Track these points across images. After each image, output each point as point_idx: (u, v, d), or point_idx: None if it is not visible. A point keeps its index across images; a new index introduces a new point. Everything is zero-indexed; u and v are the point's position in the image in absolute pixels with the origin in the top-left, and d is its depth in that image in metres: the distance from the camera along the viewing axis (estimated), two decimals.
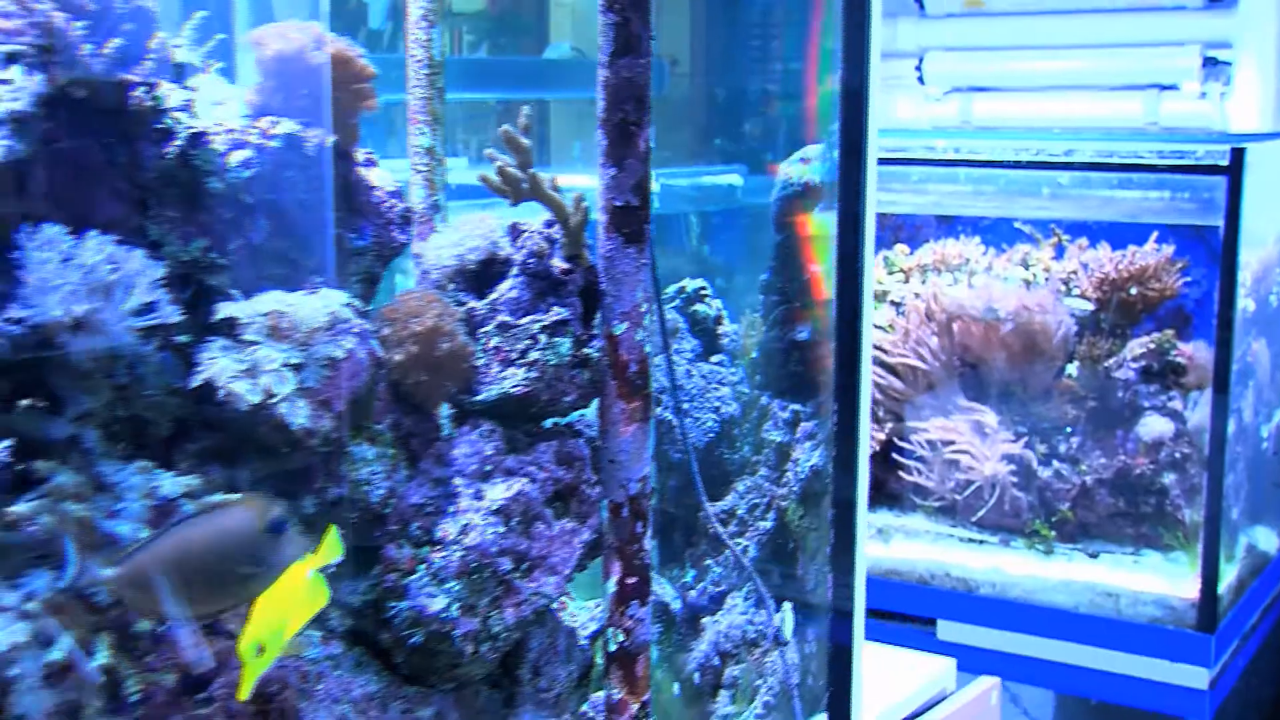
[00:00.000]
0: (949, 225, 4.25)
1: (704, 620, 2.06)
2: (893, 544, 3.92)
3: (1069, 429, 3.88)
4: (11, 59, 1.24)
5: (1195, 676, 3.55)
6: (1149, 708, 3.65)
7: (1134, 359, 3.79)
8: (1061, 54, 4.86)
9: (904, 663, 2.75)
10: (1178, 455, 3.72)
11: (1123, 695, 3.67)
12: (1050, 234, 4.14)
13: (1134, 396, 3.79)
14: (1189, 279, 3.86)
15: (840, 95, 2.08)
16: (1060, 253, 4.10)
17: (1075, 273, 3.99)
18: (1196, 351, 3.73)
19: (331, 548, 1.27)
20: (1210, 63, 4.55)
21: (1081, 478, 3.84)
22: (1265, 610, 4.02)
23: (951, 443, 3.94)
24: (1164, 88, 4.65)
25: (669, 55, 2.86)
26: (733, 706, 2.05)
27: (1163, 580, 3.66)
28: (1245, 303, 3.65)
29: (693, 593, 2.06)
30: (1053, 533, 3.85)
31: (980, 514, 3.90)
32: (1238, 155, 3.48)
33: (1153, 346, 3.77)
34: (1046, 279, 3.98)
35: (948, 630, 3.78)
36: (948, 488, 3.95)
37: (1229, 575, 3.69)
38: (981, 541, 3.92)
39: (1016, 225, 4.18)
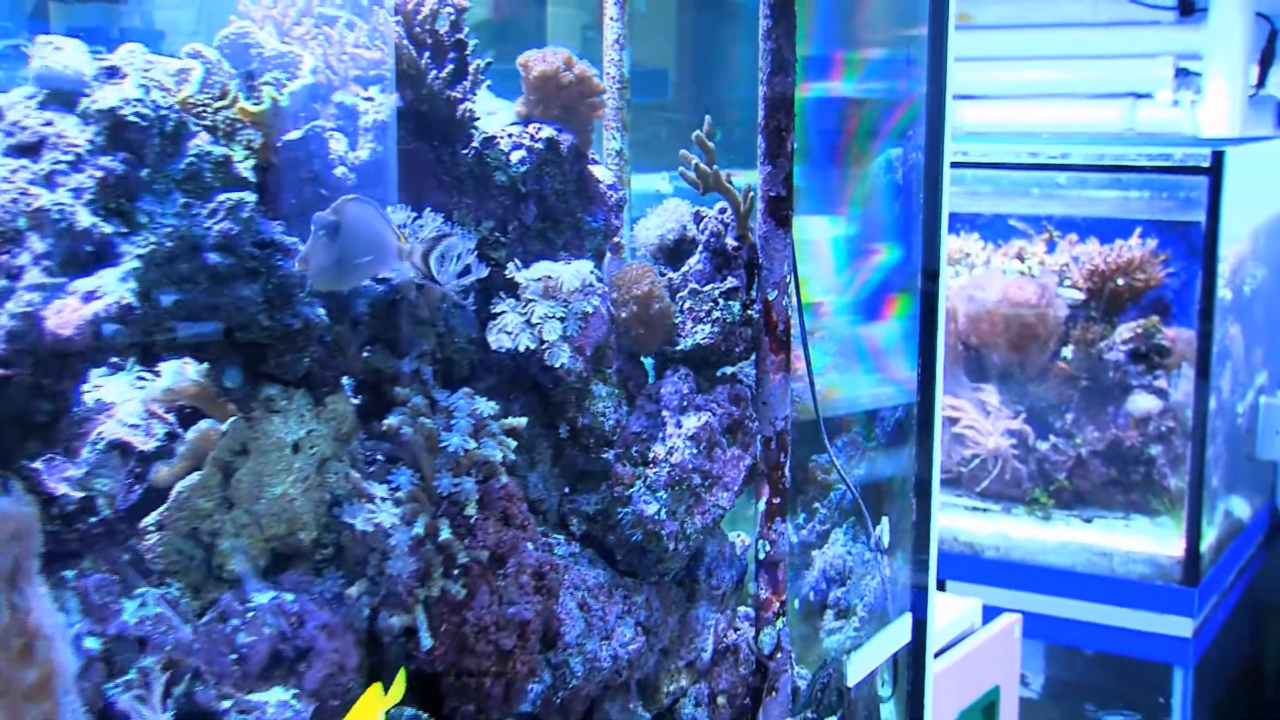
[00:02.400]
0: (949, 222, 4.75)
1: (814, 553, 2.52)
2: None
3: (1064, 406, 4.40)
4: (372, 80, 1.68)
5: (1181, 626, 4.09)
6: (1140, 656, 4.18)
7: (1123, 342, 4.33)
8: (1044, 64, 5.39)
9: (894, 629, 3.21)
10: (1164, 429, 4.26)
11: (1116, 645, 4.19)
12: (1043, 229, 4.67)
13: (1123, 376, 4.32)
14: (1171, 270, 4.40)
15: (926, 103, 2.56)
16: (1052, 247, 4.63)
17: (1067, 265, 4.51)
18: (1179, 335, 4.26)
19: (397, 689, 1.52)
20: (1182, 73, 5.10)
21: (1076, 450, 4.36)
22: (1241, 570, 4.58)
23: (957, 420, 4.45)
24: (1139, 96, 5.20)
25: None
26: (836, 622, 2.51)
27: (1151, 541, 4.19)
28: (1223, 292, 4.19)
29: (804, 531, 2.52)
30: (1051, 500, 4.37)
31: (984, 484, 4.41)
32: (1218, 158, 4.03)
33: (1140, 331, 4.31)
34: (1041, 271, 4.50)
35: (956, 590, 4.27)
36: (954, 461, 4.45)
37: (1209, 536, 4.23)
38: (986, 509, 4.43)
39: (1011, 222, 4.70)
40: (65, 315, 1.32)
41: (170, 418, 1.63)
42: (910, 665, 2.61)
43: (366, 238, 1.51)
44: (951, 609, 3.25)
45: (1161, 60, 5.15)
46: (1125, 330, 4.34)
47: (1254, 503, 4.80)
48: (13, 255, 1.32)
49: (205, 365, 1.55)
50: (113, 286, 1.35)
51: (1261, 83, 5.12)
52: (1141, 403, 4.29)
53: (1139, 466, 4.31)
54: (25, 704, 1.17)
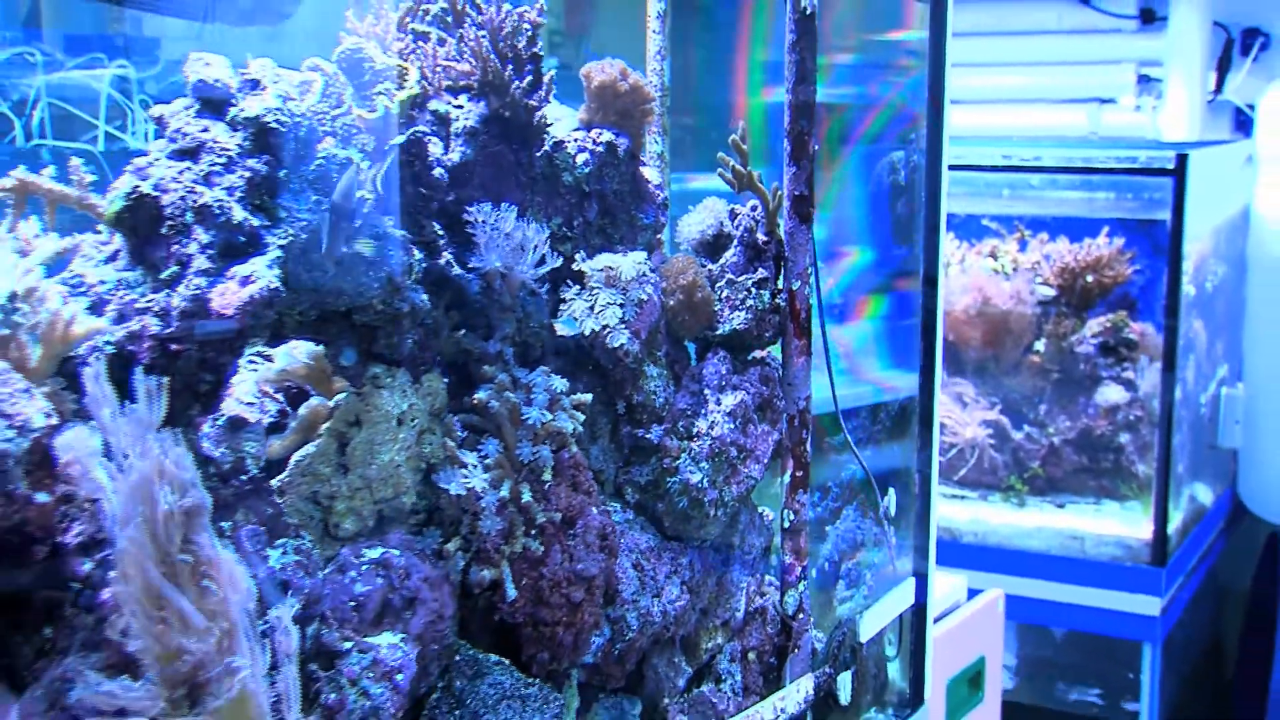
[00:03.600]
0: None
1: (827, 528, 2.76)
2: None
3: (1037, 398, 4.68)
4: (461, 90, 1.91)
5: (1149, 605, 4.37)
6: (1111, 634, 4.46)
7: (1093, 336, 4.61)
8: (1012, 70, 5.68)
9: (900, 591, 3.46)
10: (1132, 418, 4.54)
11: (1089, 624, 4.47)
12: (1014, 229, 4.95)
13: (1093, 368, 4.61)
14: (1137, 267, 4.70)
15: (927, 107, 2.81)
16: (1024, 246, 4.91)
17: (1039, 263, 4.79)
18: (1146, 329, 4.56)
19: None
20: (1144, 79, 5.41)
21: (1049, 439, 4.65)
22: (1204, 554, 4.88)
23: None
24: (1103, 101, 5.50)
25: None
26: (847, 591, 2.75)
27: (1120, 524, 4.48)
28: (1188, 288, 4.49)
29: (818, 508, 2.76)
30: (1025, 487, 4.65)
31: (962, 472, 4.68)
32: (1182, 160, 4.32)
33: (1109, 325, 4.60)
34: (1015, 269, 4.78)
35: (937, 572, 4.52)
36: None
37: (1175, 520, 4.53)
38: (964, 497, 4.70)
39: (984, 222, 4.97)
40: (227, 297, 1.53)
41: (280, 397, 1.84)
42: (914, 627, 2.86)
43: None
44: (939, 586, 3.49)
45: (1124, 67, 5.45)
46: (1095, 325, 4.63)
47: (1215, 489, 5.10)
48: (183, 245, 1.54)
49: (322, 346, 1.76)
50: (263, 272, 1.57)
51: (1219, 89, 5.43)
52: (1110, 394, 4.58)
53: (1108, 454, 4.59)
54: (210, 623, 1.38)
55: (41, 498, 1.35)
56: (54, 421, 1.36)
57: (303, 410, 1.83)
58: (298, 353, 1.81)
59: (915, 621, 2.87)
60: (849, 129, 3.04)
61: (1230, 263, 5.05)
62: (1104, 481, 4.61)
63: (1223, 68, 5.44)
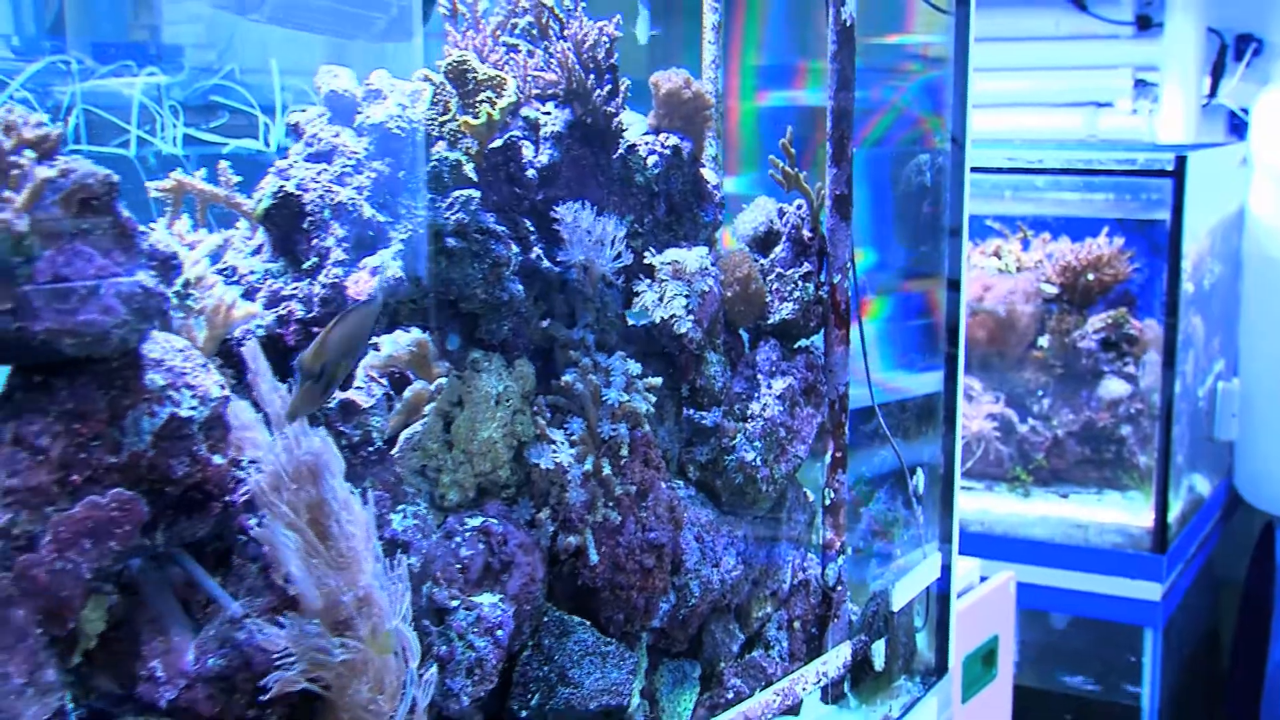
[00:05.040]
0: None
1: (861, 509, 2.98)
2: None
3: (1041, 391, 4.91)
4: (548, 98, 2.12)
5: (1150, 590, 4.60)
6: (1114, 619, 4.69)
7: (1095, 332, 4.84)
8: (1011, 75, 5.91)
9: (929, 564, 3.69)
10: (1133, 411, 4.78)
11: (1092, 609, 4.70)
12: (1017, 229, 5.18)
13: (1095, 363, 4.84)
14: (1136, 266, 4.93)
15: (951, 112, 3.03)
16: (1026, 245, 5.14)
17: (1041, 262, 5.03)
18: (1146, 325, 4.79)
19: None
20: (1140, 84, 5.65)
21: (1053, 431, 4.88)
22: (1202, 543, 5.12)
23: None
24: (1100, 105, 5.74)
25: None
26: (879, 569, 2.98)
27: (1122, 513, 4.71)
28: (1186, 286, 4.72)
29: (852, 490, 2.98)
30: (1030, 478, 4.88)
31: (969, 464, 4.90)
32: (1181, 162, 4.55)
33: (1110, 322, 4.83)
34: (1018, 268, 5.01)
35: None
36: None
37: (1175, 509, 4.76)
38: (970, 488, 4.92)
39: (988, 223, 5.20)
40: (360, 285, 1.74)
41: (384, 381, 2.05)
42: (938, 600, 3.08)
43: None
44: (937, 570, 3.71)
45: (1121, 71, 5.69)
46: (1097, 321, 4.86)
47: (1213, 480, 5.34)
48: (321, 239, 1.74)
49: (429, 333, 1.97)
50: (389, 263, 1.77)
51: (1213, 93, 5.68)
52: (1112, 387, 4.81)
53: (1110, 446, 4.83)
54: (340, 570, 1.58)
55: (217, 459, 1.55)
56: (226, 393, 1.57)
57: (407, 393, 2.03)
58: (401, 341, 2.02)
59: (940, 594, 3.09)
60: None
61: (1226, 261, 5.30)
62: (1106, 472, 4.84)
63: (1217, 73, 5.69)
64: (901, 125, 3.34)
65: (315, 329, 1.73)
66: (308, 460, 1.57)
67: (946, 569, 3.13)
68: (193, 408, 1.52)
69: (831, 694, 2.67)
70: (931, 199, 3.17)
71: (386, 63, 1.98)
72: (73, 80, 2.41)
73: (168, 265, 1.46)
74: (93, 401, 1.44)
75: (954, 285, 3.11)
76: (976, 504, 4.85)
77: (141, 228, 1.45)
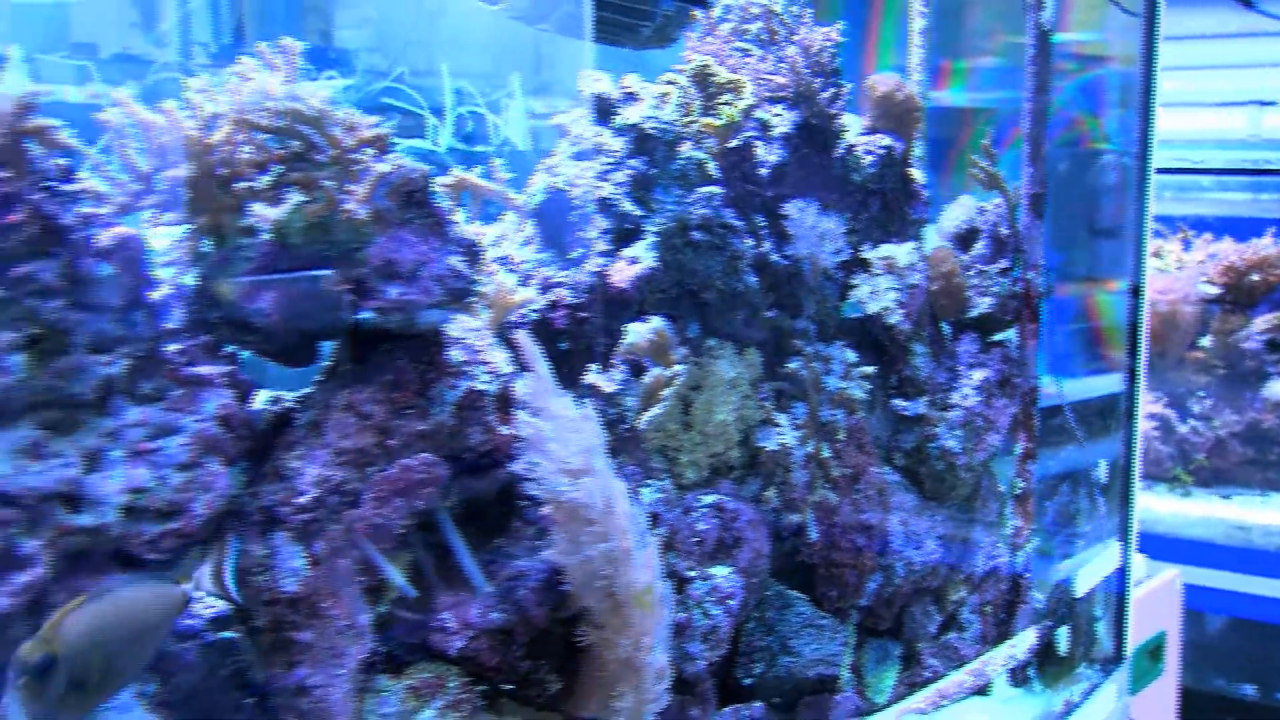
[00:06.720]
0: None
1: (1045, 503, 3.09)
2: None
3: (1202, 392, 4.93)
4: (777, 100, 2.26)
5: None
6: (1276, 622, 4.69)
7: (1260, 333, 4.86)
8: (1171, 75, 5.90)
9: (1109, 555, 3.75)
10: None
11: (1255, 611, 4.71)
12: (1176, 230, 5.21)
13: (1260, 364, 4.85)
14: None
15: (1137, 115, 3.11)
16: (1187, 246, 5.16)
17: (1203, 262, 5.05)
18: None
19: None
20: None
21: (1214, 432, 4.90)
22: None
23: None
24: (1264, 104, 5.72)
25: None
26: (1063, 563, 3.07)
27: None
28: None
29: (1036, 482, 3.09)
30: (1191, 478, 4.91)
31: None
32: None
33: (1276, 323, 4.84)
34: (1179, 268, 5.03)
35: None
36: None
37: None
38: None
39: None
40: (621, 274, 1.90)
41: (624, 368, 2.20)
42: (1117, 588, 3.17)
43: None
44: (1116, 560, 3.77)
45: None
46: (1261, 322, 4.87)
47: None
48: (586, 230, 1.90)
49: (671, 321, 2.12)
50: (645, 254, 1.93)
51: None
52: (1278, 389, 4.82)
53: (1276, 448, 4.84)
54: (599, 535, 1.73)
55: (504, 430, 1.71)
56: (512, 369, 1.73)
57: (646, 379, 2.18)
58: (642, 330, 2.17)
59: (1118, 582, 3.17)
60: (999, 133, 3.30)
61: None
62: (1271, 474, 4.85)
63: None
64: (1056, 125, 3.41)
65: (580, 314, 1.89)
66: (570, 434, 1.72)
67: (1124, 560, 3.21)
68: (486, 382, 1.68)
69: (1018, 677, 2.78)
70: (1101, 201, 3.25)
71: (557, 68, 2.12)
72: None
73: (472, 252, 1.62)
74: (407, 374, 1.61)
75: (1136, 291, 3.19)
76: (1137, 503, 4.88)
77: (450, 217, 1.61)
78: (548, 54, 2.68)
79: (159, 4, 2.55)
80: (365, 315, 1.54)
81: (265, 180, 1.51)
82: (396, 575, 1.65)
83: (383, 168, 1.51)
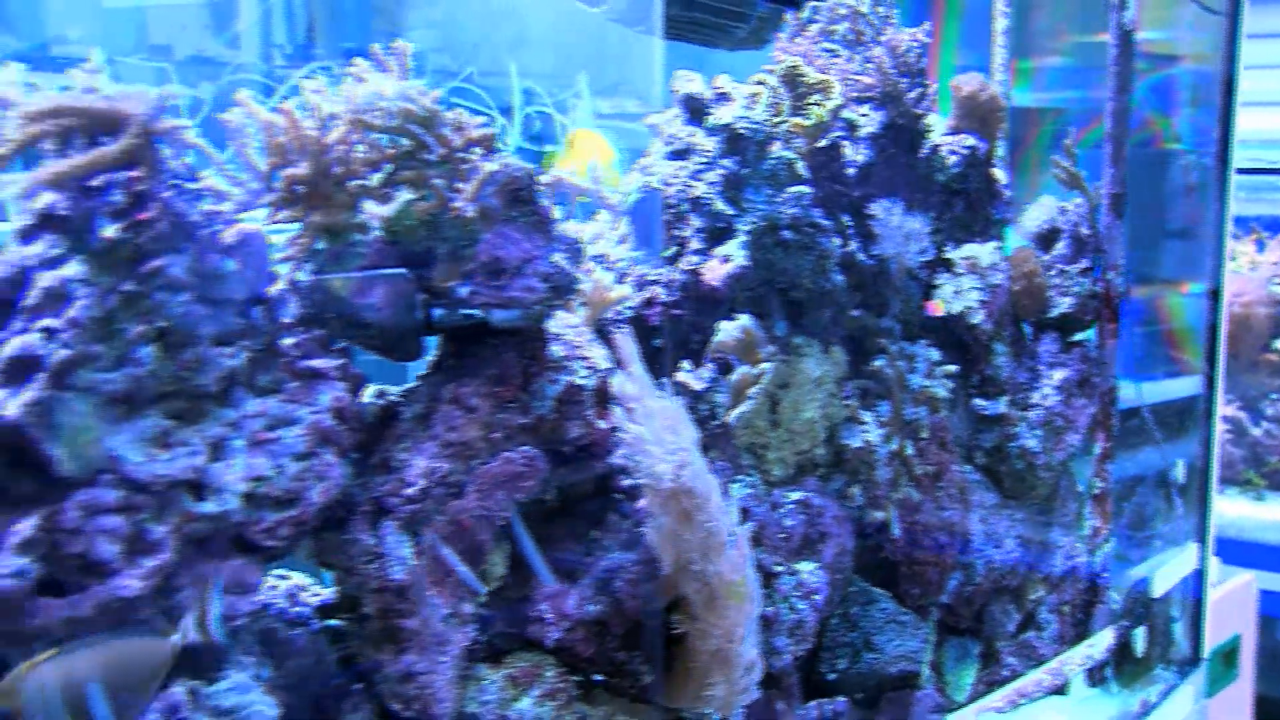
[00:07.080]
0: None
1: (1122, 504, 3.09)
2: None
3: (1276, 395, 4.90)
4: (864, 100, 2.28)
5: None
6: None
7: None
8: (1255, 74, 5.84)
9: (1185, 556, 3.74)
10: None
11: None
12: (1249, 230, 5.17)
13: None
14: None
15: (1218, 116, 3.10)
16: (1260, 247, 5.12)
17: (1277, 263, 5.01)
18: None
19: None
20: None
21: None
22: None
23: None
24: None
25: None
26: (1142, 566, 3.08)
27: None
28: None
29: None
30: (1264, 481, 4.87)
31: None
32: None
33: None
34: (1252, 269, 5.00)
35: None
36: None
37: None
38: None
39: None
40: (714, 272, 1.93)
41: (712, 366, 2.23)
42: (1194, 590, 3.17)
43: None
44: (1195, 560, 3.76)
45: None
46: None
47: None
48: (680, 229, 1.93)
49: (758, 318, 2.15)
50: (736, 253, 1.96)
51: None
52: None
53: None
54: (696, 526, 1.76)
55: (601, 424, 1.75)
56: (610, 365, 1.76)
57: (733, 377, 2.21)
58: (730, 329, 2.20)
59: (1196, 585, 3.17)
60: (1065, 133, 3.28)
61: None
62: None
63: None
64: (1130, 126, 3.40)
65: (675, 311, 1.92)
66: (663, 432, 1.75)
67: (1202, 562, 3.21)
68: (585, 377, 1.72)
69: (1095, 677, 2.79)
70: (1174, 202, 3.25)
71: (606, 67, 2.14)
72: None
73: (574, 250, 1.66)
74: (511, 368, 1.65)
75: (1215, 294, 3.19)
76: None
77: (553, 215, 1.65)
78: (615, 54, 2.70)
79: (231, 7, 2.60)
80: (471, 311, 1.58)
81: (377, 178, 1.55)
82: (467, 572, 1.68)
83: (490, 166, 1.55)
